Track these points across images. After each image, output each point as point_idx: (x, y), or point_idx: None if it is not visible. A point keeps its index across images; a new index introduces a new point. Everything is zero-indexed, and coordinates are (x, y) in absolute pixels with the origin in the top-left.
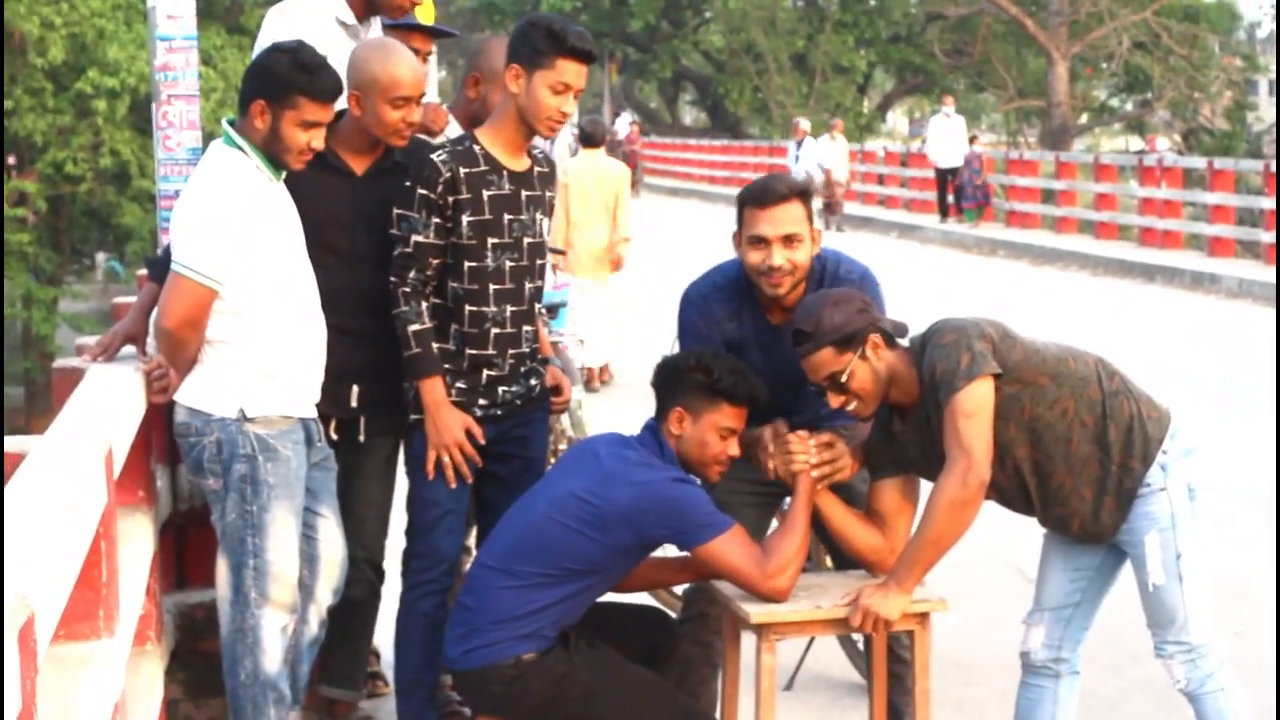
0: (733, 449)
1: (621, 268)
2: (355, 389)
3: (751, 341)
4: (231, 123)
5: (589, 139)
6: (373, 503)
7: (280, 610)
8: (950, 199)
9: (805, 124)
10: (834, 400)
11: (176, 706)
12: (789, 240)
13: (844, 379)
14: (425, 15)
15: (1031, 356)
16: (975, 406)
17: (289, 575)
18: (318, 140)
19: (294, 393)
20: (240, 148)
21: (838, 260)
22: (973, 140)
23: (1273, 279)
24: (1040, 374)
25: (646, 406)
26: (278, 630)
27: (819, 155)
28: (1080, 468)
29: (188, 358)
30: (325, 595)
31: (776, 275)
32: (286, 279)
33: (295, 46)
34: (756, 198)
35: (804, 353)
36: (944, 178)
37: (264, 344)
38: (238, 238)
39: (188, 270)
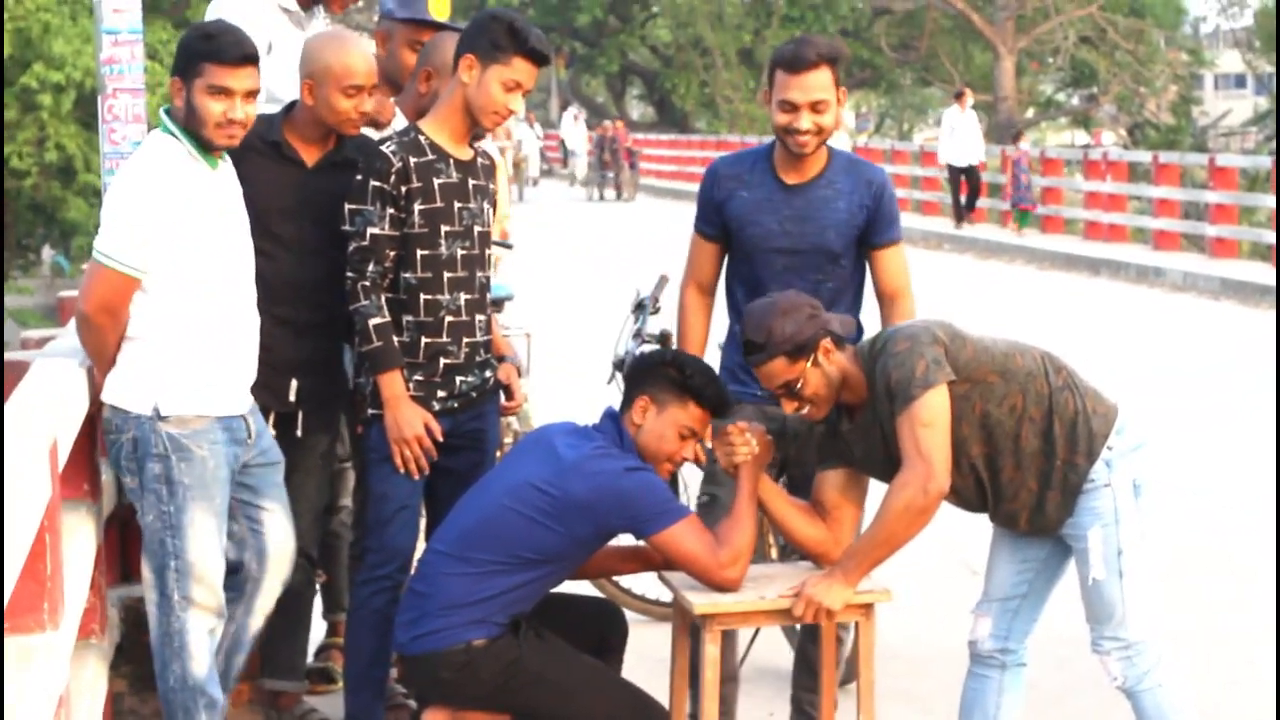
0: (687, 452)
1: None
2: (294, 383)
3: (763, 202)
4: (168, 111)
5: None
6: (307, 497)
7: (206, 613)
8: (963, 200)
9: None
10: (788, 406)
11: (121, 700)
12: (816, 106)
13: (799, 387)
14: (440, 10)
15: (980, 354)
16: (933, 416)
17: (212, 577)
18: (235, 110)
19: (214, 391)
20: (175, 135)
21: (864, 163)
22: (1018, 137)
23: (1217, 273)
24: (989, 371)
25: (597, 397)
26: (204, 633)
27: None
28: (1028, 461)
29: (107, 349)
30: (274, 588)
31: (803, 136)
32: (217, 270)
33: (204, 23)
34: (788, 63)
35: (756, 363)
36: (958, 177)
37: (182, 339)
38: (161, 226)
39: (105, 258)
